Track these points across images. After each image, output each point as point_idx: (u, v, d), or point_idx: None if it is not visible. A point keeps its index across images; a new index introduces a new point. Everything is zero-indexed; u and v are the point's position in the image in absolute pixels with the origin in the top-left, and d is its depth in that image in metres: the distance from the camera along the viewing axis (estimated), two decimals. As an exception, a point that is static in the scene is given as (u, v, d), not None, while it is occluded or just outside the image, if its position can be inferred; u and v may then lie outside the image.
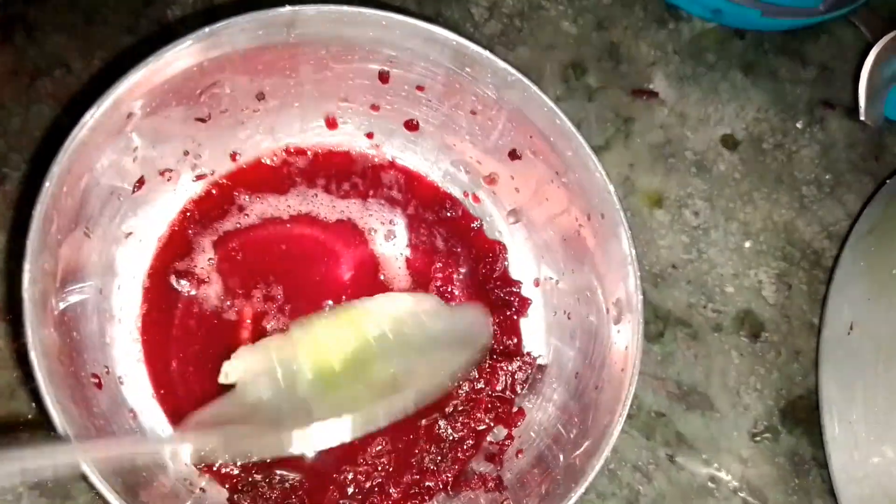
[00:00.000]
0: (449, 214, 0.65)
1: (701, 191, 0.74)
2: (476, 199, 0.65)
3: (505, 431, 0.61)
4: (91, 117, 0.48)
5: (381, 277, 0.63)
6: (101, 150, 0.51)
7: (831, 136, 0.78)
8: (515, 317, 0.63)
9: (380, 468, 0.58)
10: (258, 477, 0.56)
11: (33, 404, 0.58)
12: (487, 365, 0.61)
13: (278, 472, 0.56)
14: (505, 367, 0.61)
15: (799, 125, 0.78)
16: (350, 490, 0.57)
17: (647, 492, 0.66)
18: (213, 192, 0.61)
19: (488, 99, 0.57)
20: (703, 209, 0.73)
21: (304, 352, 0.54)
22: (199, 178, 0.61)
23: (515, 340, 0.63)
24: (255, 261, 0.61)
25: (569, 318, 0.61)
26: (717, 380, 0.69)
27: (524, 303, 0.64)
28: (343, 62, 0.57)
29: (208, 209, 0.61)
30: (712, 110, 0.77)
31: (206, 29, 0.49)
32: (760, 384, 0.70)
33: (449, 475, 0.59)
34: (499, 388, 0.61)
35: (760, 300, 0.72)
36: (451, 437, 0.60)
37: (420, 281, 0.63)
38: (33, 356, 0.44)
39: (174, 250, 0.60)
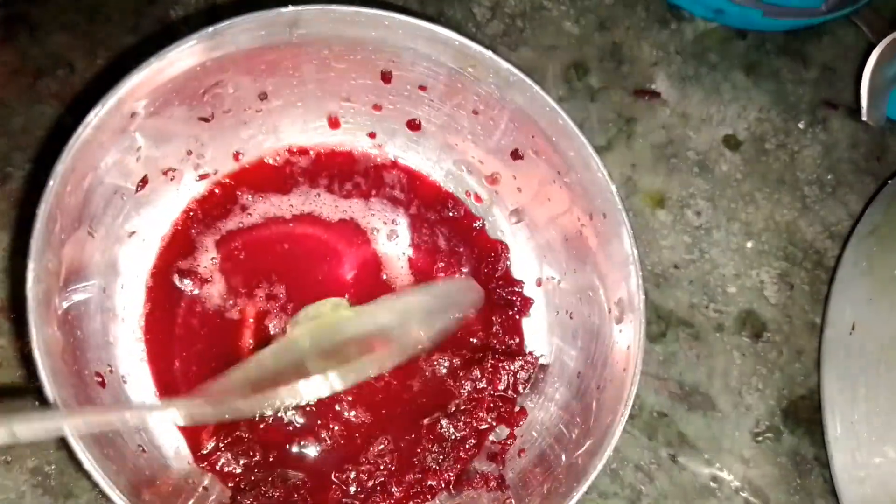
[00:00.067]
0: (451, 214, 0.65)
1: (703, 191, 0.74)
2: (478, 198, 0.65)
3: (507, 431, 0.61)
4: (95, 116, 0.48)
5: (384, 277, 0.63)
6: (104, 149, 0.51)
7: (833, 137, 0.78)
8: (517, 316, 0.64)
9: (382, 467, 0.58)
10: (260, 476, 0.56)
11: (37, 402, 0.58)
12: (490, 365, 0.61)
13: (280, 470, 0.56)
14: (507, 367, 0.61)
15: (801, 125, 0.78)
16: (352, 489, 0.57)
17: (649, 491, 0.66)
18: (216, 191, 0.62)
19: (490, 99, 0.57)
20: (705, 209, 0.73)
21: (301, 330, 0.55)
22: (202, 177, 0.61)
23: (517, 340, 0.63)
24: (257, 260, 0.61)
25: (571, 318, 0.61)
26: (719, 380, 0.69)
27: (526, 302, 0.64)
28: (345, 62, 0.57)
29: (211, 208, 0.61)
30: (714, 110, 0.77)
31: (210, 29, 0.49)
32: (762, 384, 0.70)
33: (451, 474, 0.59)
34: (501, 387, 0.61)
35: (762, 300, 0.72)
36: (453, 437, 0.60)
37: (422, 280, 0.63)
38: (37, 355, 0.45)
39: (177, 249, 0.60)
